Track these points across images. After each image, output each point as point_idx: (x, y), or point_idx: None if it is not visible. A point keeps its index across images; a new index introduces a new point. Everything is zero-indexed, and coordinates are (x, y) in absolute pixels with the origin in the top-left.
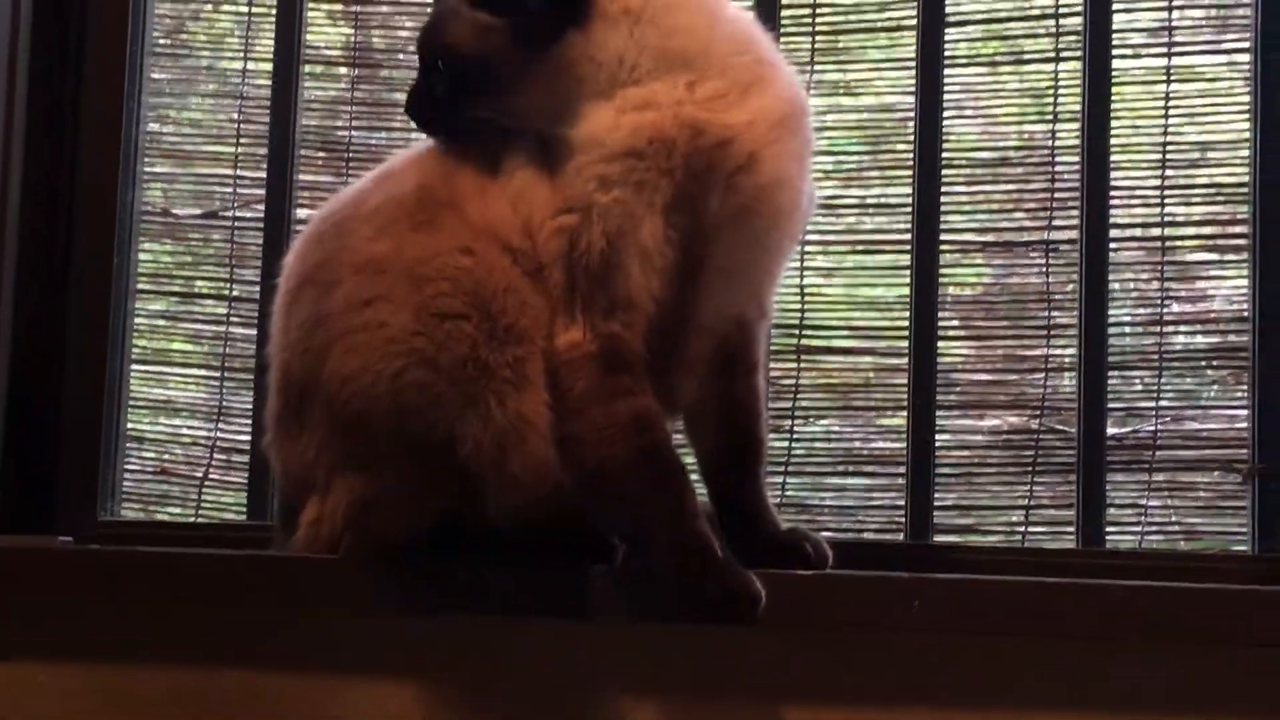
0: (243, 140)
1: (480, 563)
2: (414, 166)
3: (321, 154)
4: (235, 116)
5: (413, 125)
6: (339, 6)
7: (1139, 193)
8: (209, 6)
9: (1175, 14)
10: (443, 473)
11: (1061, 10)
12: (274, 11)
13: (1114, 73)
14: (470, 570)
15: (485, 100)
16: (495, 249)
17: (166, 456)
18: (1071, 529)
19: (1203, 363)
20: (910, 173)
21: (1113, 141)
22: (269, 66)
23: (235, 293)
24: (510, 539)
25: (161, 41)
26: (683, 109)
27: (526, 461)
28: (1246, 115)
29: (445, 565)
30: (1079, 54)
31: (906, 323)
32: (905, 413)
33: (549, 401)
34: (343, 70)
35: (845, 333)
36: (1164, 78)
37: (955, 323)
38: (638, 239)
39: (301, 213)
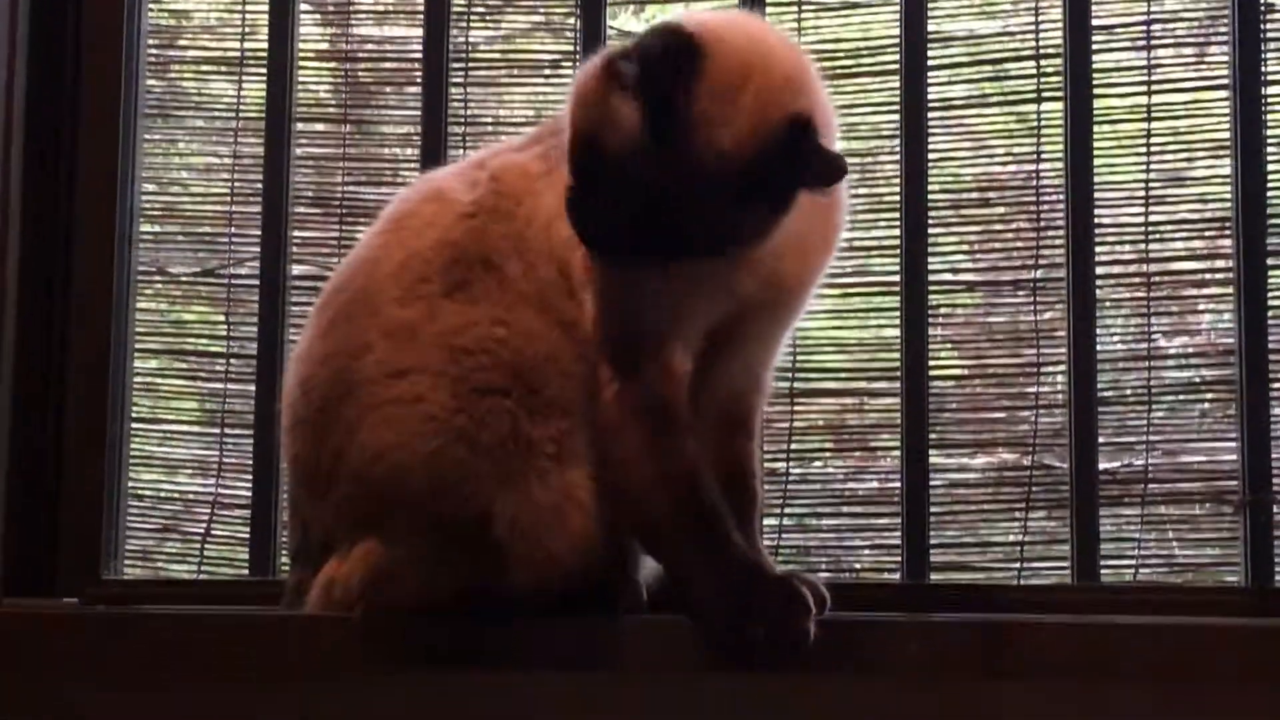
0: (236, 198)
1: (502, 619)
2: (431, 214)
3: (316, 210)
4: (229, 175)
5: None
6: (331, 64)
7: (1124, 229)
8: (201, 66)
9: (1154, 52)
10: (470, 547)
11: (1042, 51)
12: (265, 67)
13: (1096, 111)
14: (493, 626)
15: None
16: (531, 312)
17: (168, 513)
18: (1066, 564)
19: (1192, 396)
20: (897, 214)
21: (1096, 179)
22: (261, 124)
23: (232, 349)
24: (530, 605)
25: (153, 103)
26: (779, 265)
27: (564, 539)
28: (1227, 150)
29: (467, 622)
30: (1060, 94)
31: (897, 363)
32: (898, 452)
33: (592, 474)
34: (335, 126)
35: (836, 375)
36: (1145, 115)
37: (945, 362)
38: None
39: (297, 269)
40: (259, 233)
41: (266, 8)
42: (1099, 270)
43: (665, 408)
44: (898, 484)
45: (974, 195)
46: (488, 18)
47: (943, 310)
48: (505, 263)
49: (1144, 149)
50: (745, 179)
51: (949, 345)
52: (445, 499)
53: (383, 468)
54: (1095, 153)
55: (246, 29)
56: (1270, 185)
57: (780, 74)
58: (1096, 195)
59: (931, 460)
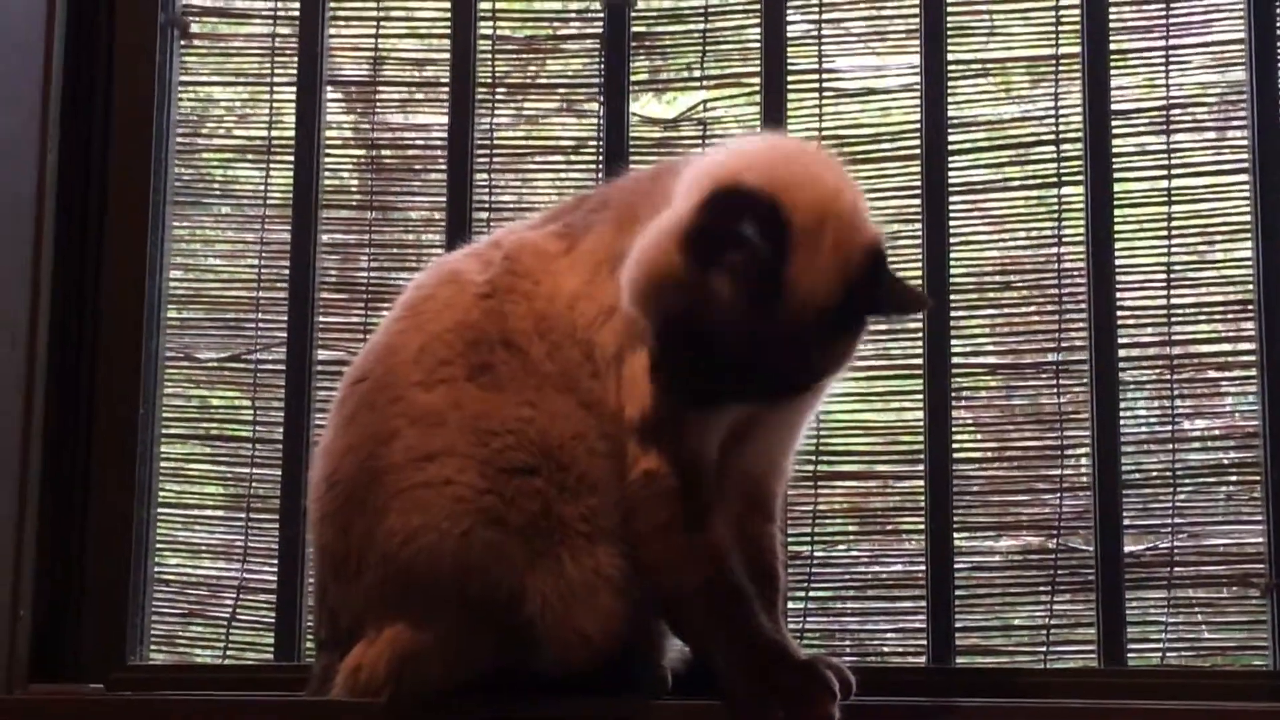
0: (263, 284)
1: (528, 702)
2: (448, 297)
3: (342, 295)
4: (255, 261)
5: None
6: (357, 150)
7: (1145, 311)
8: (229, 154)
9: (1173, 136)
10: (499, 627)
11: (1063, 135)
12: (292, 154)
13: (1116, 194)
14: (519, 709)
15: None
16: (556, 393)
17: (193, 598)
18: (1092, 647)
19: (1217, 478)
20: None
21: (1117, 262)
22: (287, 210)
23: (258, 434)
24: (556, 686)
25: (182, 189)
26: None
27: (595, 617)
28: (1248, 232)
29: (492, 705)
30: (1081, 177)
31: (920, 446)
32: (922, 535)
33: (621, 550)
34: (361, 211)
35: (860, 458)
36: (1165, 198)
37: (968, 445)
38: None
39: (323, 354)
40: (285, 318)
41: (293, 96)
42: (1121, 352)
43: (692, 487)
44: (922, 567)
45: (996, 278)
46: (511, 103)
47: (965, 393)
48: (528, 344)
49: (1165, 232)
50: (836, 317)
51: (972, 428)
52: (476, 580)
53: (412, 550)
54: (1116, 236)
55: (273, 117)
56: None
57: (846, 205)
58: (1118, 278)
59: (956, 543)
